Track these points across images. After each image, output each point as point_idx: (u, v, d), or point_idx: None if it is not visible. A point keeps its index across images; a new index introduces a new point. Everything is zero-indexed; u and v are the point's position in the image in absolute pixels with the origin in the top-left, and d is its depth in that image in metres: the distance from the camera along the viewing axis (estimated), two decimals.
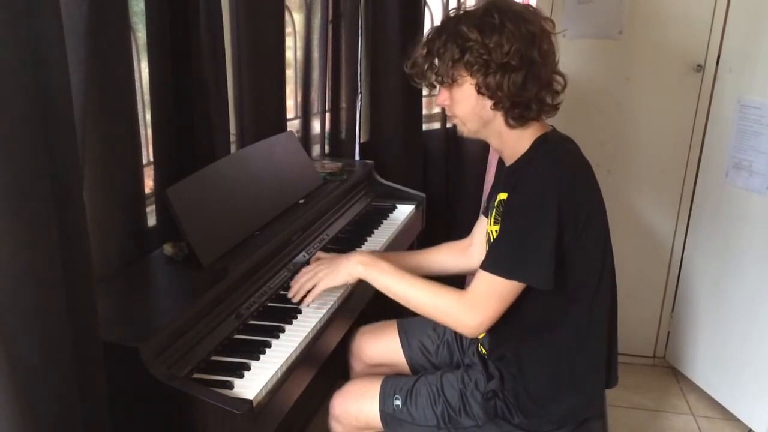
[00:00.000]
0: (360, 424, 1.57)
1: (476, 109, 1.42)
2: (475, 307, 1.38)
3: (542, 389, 1.46)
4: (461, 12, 1.41)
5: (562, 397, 1.47)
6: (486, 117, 1.42)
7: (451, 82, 1.41)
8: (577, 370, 1.47)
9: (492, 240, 1.44)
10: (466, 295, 1.39)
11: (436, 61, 1.40)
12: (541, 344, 1.45)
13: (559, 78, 1.43)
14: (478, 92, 1.38)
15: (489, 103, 1.39)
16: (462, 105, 1.43)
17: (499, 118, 1.41)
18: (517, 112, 1.39)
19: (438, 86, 1.46)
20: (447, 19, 1.41)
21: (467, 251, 1.76)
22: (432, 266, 1.76)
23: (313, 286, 1.52)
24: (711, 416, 2.53)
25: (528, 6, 1.41)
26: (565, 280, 1.38)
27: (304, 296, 1.53)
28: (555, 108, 1.44)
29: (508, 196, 1.41)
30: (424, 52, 1.42)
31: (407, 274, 1.48)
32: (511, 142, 1.45)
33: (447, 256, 1.79)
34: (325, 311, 1.55)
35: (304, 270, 1.58)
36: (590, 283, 1.42)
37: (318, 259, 1.63)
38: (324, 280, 1.51)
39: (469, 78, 1.39)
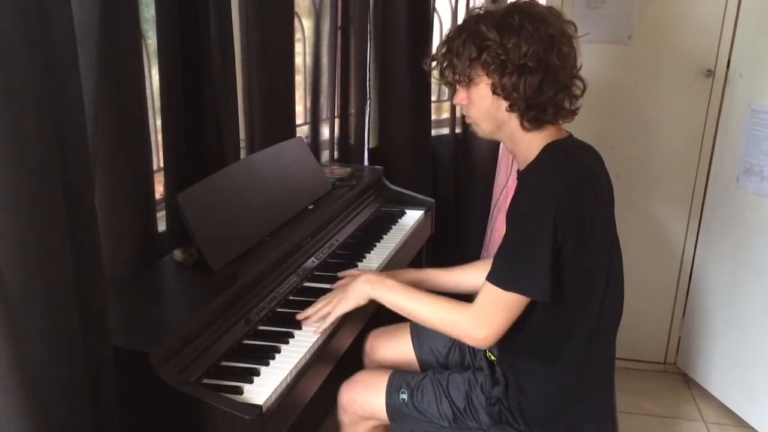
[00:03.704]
0: (365, 414, 1.58)
1: (491, 110, 1.41)
2: (481, 319, 1.38)
3: (548, 404, 1.45)
4: (483, 11, 1.40)
5: (568, 413, 1.46)
6: (501, 118, 1.41)
7: (468, 81, 1.40)
8: (583, 388, 1.45)
9: None
10: (473, 307, 1.39)
11: (455, 59, 1.39)
12: (549, 360, 1.44)
13: (578, 82, 1.41)
14: (494, 92, 1.37)
15: (504, 104, 1.38)
16: (478, 105, 1.42)
17: (514, 120, 1.40)
18: (533, 114, 1.37)
19: (456, 85, 1.45)
20: (468, 18, 1.41)
21: None
22: (461, 284, 1.75)
23: (328, 314, 1.52)
24: (722, 423, 2.51)
25: (551, 8, 1.39)
26: (567, 294, 1.36)
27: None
28: (572, 113, 1.42)
29: (510, 203, 1.41)
30: (444, 50, 1.41)
31: (414, 290, 1.49)
32: (523, 146, 1.43)
33: (479, 274, 1.77)
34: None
35: (323, 297, 1.58)
36: (594, 297, 1.39)
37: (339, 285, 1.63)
38: (338, 306, 1.51)
39: (485, 78, 1.38)
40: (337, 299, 1.53)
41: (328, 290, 1.69)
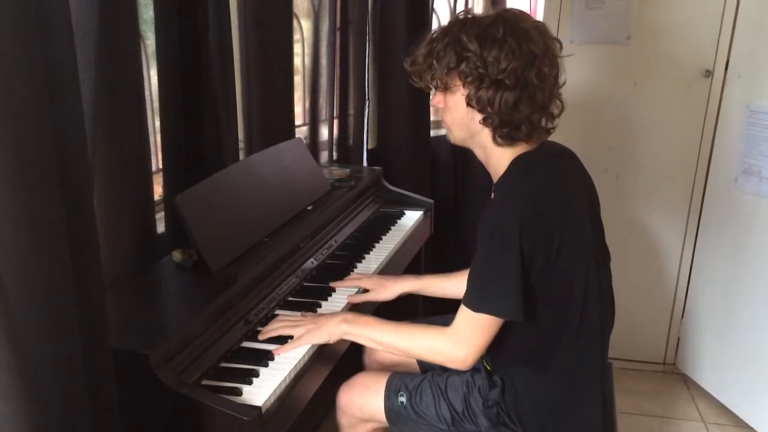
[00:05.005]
0: (364, 416, 1.58)
1: (465, 120, 1.40)
2: (459, 340, 1.37)
3: (542, 410, 1.45)
4: (470, 16, 1.38)
5: (559, 419, 1.45)
6: (474, 129, 1.40)
7: (444, 88, 1.40)
8: (574, 396, 1.44)
9: None
10: (450, 329, 1.38)
11: (435, 62, 1.37)
12: (538, 368, 1.43)
13: (557, 102, 1.39)
14: (468, 104, 1.36)
15: (479, 116, 1.37)
16: (453, 112, 1.42)
17: (486, 133, 1.39)
18: (506, 131, 1.36)
19: (433, 88, 1.44)
20: (453, 22, 1.39)
21: None
22: (461, 290, 1.73)
23: (290, 336, 1.46)
24: (722, 423, 2.51)
25: (538, 24, 1.36)
26: (544, 306, 1.35)
27: (274, 340, 1.45)
28: (548, 131, 1.41)
29: (481, 219, 1.38)
30: (425, 52, 1.39)
31: (389, 322, 1.48)
32: (494, 159, 1.43)
33: None
34: None
35: (283, 316, 1.53)
36: (574, 306, 1.37)
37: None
38: (305, 336, 1.44)
39: (461, 87, 1.37)
40: (305, 328, 1.46)
41: (328, 291, 1.69)
